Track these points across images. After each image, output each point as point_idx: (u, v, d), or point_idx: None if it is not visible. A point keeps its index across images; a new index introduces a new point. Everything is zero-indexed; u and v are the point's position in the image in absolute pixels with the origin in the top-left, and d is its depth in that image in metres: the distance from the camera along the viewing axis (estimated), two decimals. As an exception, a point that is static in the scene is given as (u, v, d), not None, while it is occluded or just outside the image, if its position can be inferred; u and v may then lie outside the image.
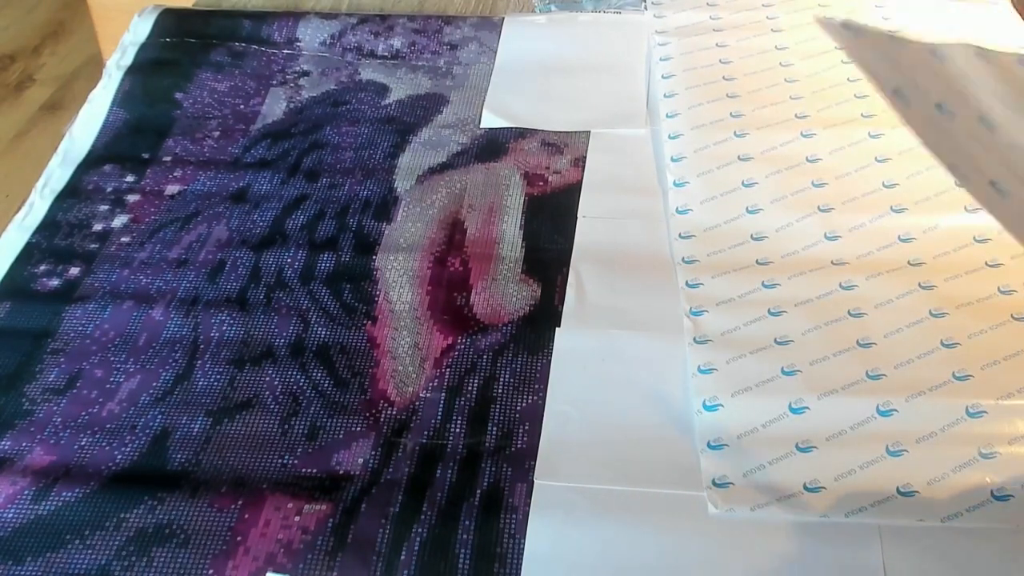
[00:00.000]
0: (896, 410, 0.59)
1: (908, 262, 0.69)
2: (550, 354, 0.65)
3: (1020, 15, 0.95)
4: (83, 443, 0.61)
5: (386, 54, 0.95)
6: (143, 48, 0.97)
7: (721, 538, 0.54)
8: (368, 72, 0.93)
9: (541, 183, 0.79)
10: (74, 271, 0.73)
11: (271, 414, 0.62)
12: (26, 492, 0.58)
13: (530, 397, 0.62)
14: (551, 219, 0.75)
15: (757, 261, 0.70)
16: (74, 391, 0.64)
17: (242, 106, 0.89)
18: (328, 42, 0.96)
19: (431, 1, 1.05)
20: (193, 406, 0.63)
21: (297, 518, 0.56)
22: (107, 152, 0.85)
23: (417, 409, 0.62)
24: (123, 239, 0.76)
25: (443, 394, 0.63)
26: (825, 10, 0.96)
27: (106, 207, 0.79)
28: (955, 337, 0.63)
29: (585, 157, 0.81)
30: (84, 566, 0.54)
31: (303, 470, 0.59)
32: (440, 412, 0.62)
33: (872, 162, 0.78)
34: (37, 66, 1.72)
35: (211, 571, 0.54)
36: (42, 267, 0.74)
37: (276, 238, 0.75)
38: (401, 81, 0.92)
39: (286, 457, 0.60)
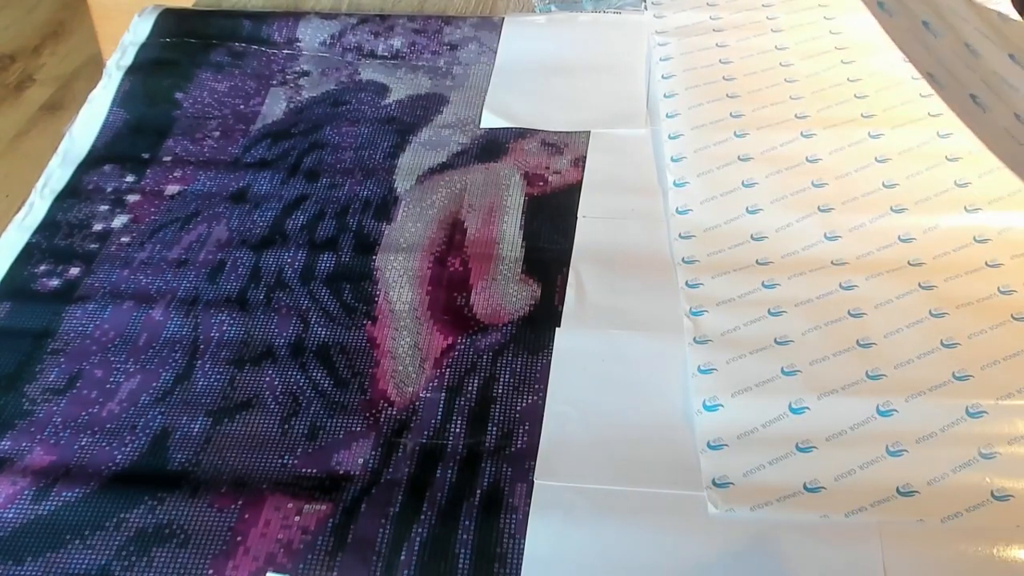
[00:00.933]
0: (896, 410, 0.59)
1: (908, 262, 0.69)
2: (550, 354, 0.65)
3: (1021, 15, 0.95)
4: (83, 443, 0.61)
5: (386, 54, 0.95)
6: (143, 48, 0.97)
7: (721, 538, 0.54)
8: (368, 72, 0.93)
9: (541, 183, 0.79)
10: (74, 271, 0.73)
11: (271, 414, 0.62)
12: (26, 492, 0.58)
13: (530, 397, 0.62)
14: (551, 219, 0.75)
15: (757, 261, 0.70)
16: (74, 391, 0.64)
17: (242, 106, 0.89)
18: (328, 42, 0.96)
19: (431, 1, 1.05)
20: (193, 406, 0.63)
21: (297, 518, 0.56)
22: (107, 152, 0.85)
23: (417, 409, 0.62)
24: (123, 239, 0.76)
25: (443, 394, 0.63)
26: (825, 10, 0.96)
27: (106, 207, 0.79)
28: (955, 337, 0.63)
29: (585, 157, 0.81)
30: (84, 566, 0.54)
31: (303, 470, 0.59)
32: (440, 412, 0.62)
33: (872, 162, 0.78)
34: (37, 66, 1.72)
35: (211, 571, 0.54)
36: (42, 267, 0.74)
37: (276, 238, 0.75)
38: (401, 81, 0.92)
39: (286, 457, 0.60)
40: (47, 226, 0.78)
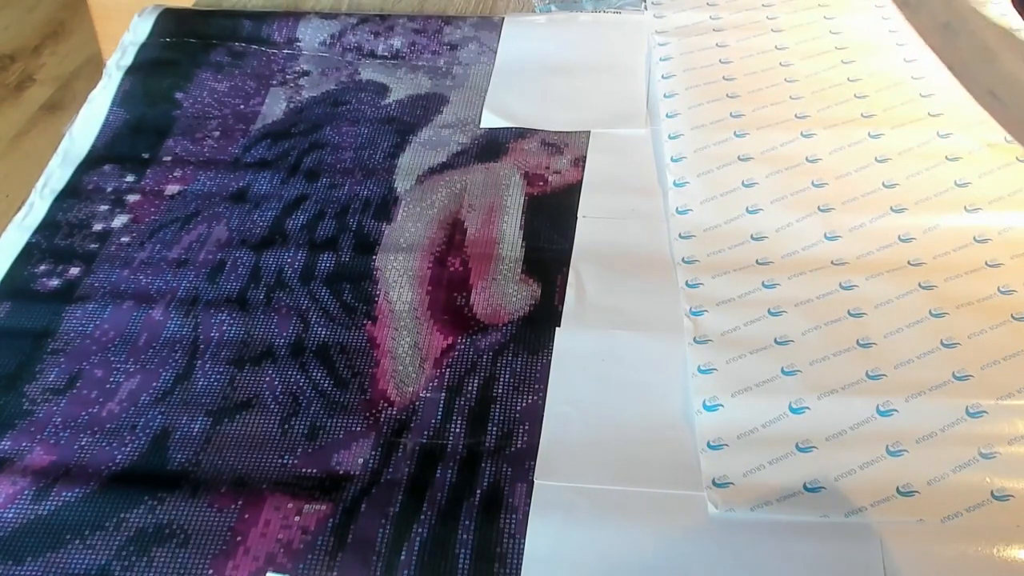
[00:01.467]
0: (896, 410, 0.59)
1: (908, 262, 0.69)
2: (550, 354, 0.65)
3: (1020, 15, 0.95)
4: (83, 443, 0.61)
5: (386, 54, 0.95)
6: (143, 48, 0.97)
7: (721, 538, 0.54)
8: (368, 72, 0.93)
9: (541, 183, 0.79)
10: (74, 271, 0.73)
11: (271, 414, 0.62)
12: (26, 492, 0.58)
13: (530, 397, 0.62)
14: (551, 219, 0.75)
15: (757, 261, 0.70)
16: (74, 391, 0.64)
17: (242, 106, 0.89)
18: (328, 42, 0.96)
19: (431, 1, 1.05)
20: (193, 406, 0.63)
21: (297, 518, 0.56)
22: (107, 152, 0.85)
23: (417, 409, 0.62)
24: (123, 239, 0.76)
25: (443, 394, 0.63)
26: (825, 10, 0.96)
27: (106, 207, 0.79)
28: (955, 337, 0.64)
29: (585, 157, 0.81)
30: (84, 566, 0.54)
31: (303, 470, 0.59)
32: (440, 412, 0.62)
33: (872, 162, 0.78)
34: (37, 66, 1.72)
35: (211, 571, 0.54)
36: (42, 267, 0.74)
37: (276, 238, 0.75)
38: (401, 81, 0.92)
39: (286, 457, 0.60)
40: (47, 226, 0.78)
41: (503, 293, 0.70)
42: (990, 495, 0.55)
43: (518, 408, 0.62)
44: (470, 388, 0.63)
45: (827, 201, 0.74)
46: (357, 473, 0.59)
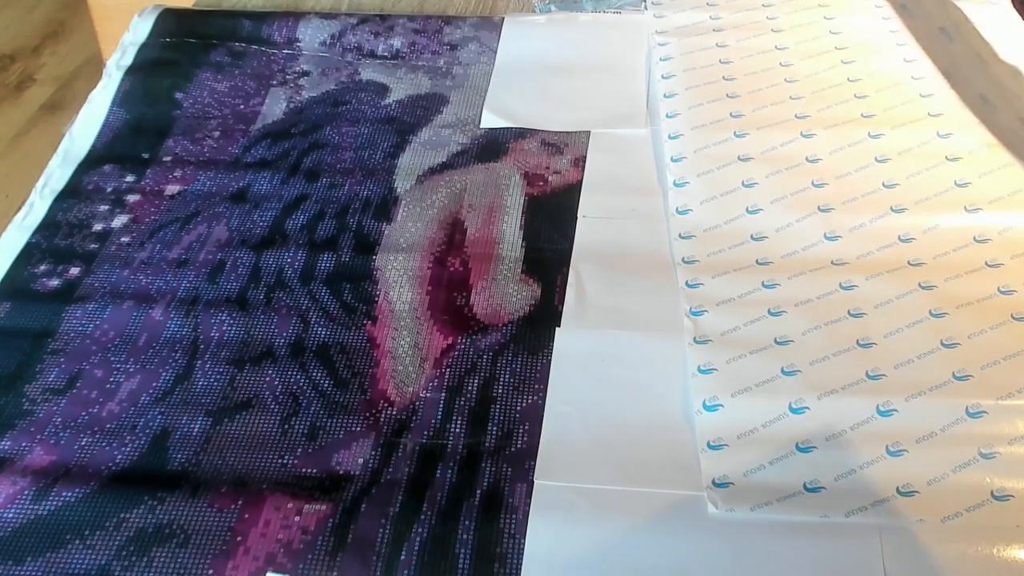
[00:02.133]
0: (896, 410, 0.59)
1: (908, 262, 0.69)
2: (550, 354, 0.65)
3: (1020, 15, 0.95)
4: (83, 443, 0.61)
5: (386, 54, 0.95)
6: (143, 48, 0.97)
7: (721, 538, 0.54)
8: (368, 72, 0.93)
9: (541, 183, 0.79)
10: (74, 271, 0.73)
11: (271, 414, 0.62)
12: (26, 492, 0.58)
13: (530, 397, 0.62)
14: (551, 219, 0.75)
15: (757, 261, 0.70)
16: (74, 391, 0.64)
17: (242, 106, 0.89)
18: (328, 42, 0.96)
19: (431, 1, 1.05)
20: (193, 406, 0.63)
21: (297, 518, 0.56)
22: (107, 152, 0.85)
23: (417, 409, 0.62)
24: (123, 239, 0.76)
25: (443, 394, 0.63)
26: (825, 10, 0.96)
27: (106, 207, 0.79)
28: (955, 337, 0.64)
29: (585, 157, 0.81)
30: (84, 566, 0.54)
31: (303, 470, 0.59)
32: (440, 412, 0.62)
33: (872, 162, 0.78)
34: (37, 66, 1.72)
35: (211, 571, 0.54)
36: (42, 267, 0.74)
37: (276, 238, 0.75)
38: (401, 81, 0.92)
39: (286, 457, 0.60)
40: (47, 226, 0.78)
41: (503, 293, 0.70)
42: (990, 495, 0.55)
43: (518, 408, 0.62)
44: (470, 388, 0.63)
45: (827, 201, 0.74)
46: (357, 473, 0.59)
